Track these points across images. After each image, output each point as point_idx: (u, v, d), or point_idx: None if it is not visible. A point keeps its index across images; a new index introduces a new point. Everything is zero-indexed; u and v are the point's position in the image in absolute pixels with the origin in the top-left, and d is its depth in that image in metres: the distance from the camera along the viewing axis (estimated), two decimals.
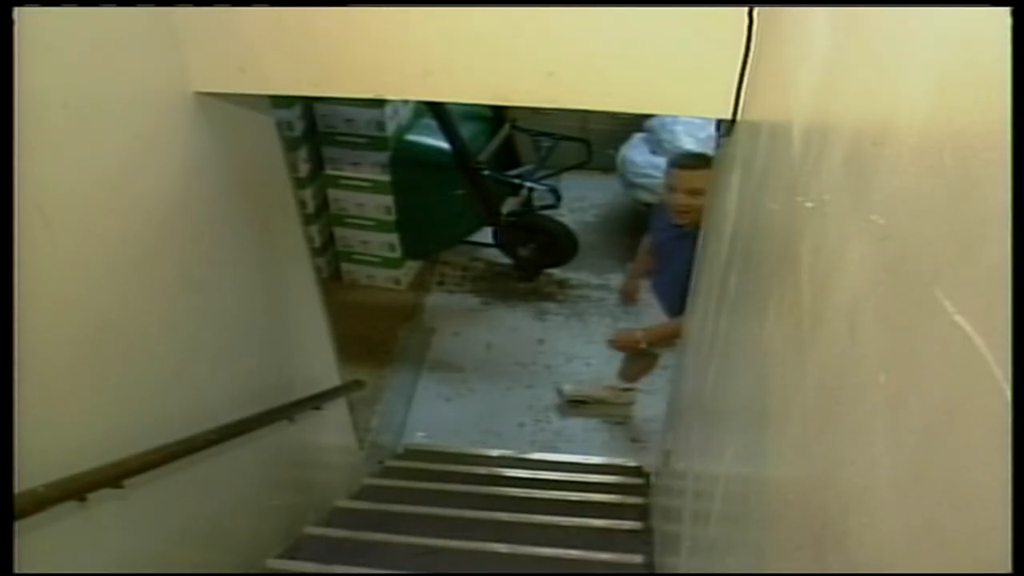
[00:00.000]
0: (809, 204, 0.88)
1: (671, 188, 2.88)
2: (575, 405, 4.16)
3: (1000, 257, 0.41)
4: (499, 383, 4.31)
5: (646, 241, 3.46)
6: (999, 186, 0.42)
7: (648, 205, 4.64)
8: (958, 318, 0.46)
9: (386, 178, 4.12)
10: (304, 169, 4.00)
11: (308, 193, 4.09)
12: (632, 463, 3.80)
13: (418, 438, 4.12)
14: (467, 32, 1.72)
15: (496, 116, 4.59)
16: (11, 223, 1.24)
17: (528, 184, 4.54)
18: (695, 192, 2.75)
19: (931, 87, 0.56)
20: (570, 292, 4.96)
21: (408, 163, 4.08)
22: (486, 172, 4.11)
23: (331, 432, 3.27)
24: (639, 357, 3.75)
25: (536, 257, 4.78)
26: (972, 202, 0.47)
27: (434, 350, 4.48)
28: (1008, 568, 0.38)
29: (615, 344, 3.51)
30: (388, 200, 4.20)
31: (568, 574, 2.67)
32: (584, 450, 4.01)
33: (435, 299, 4.81)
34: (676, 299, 3.07)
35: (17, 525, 1.28)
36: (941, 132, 0.53)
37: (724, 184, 1.90)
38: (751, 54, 1.58)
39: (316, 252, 4.11)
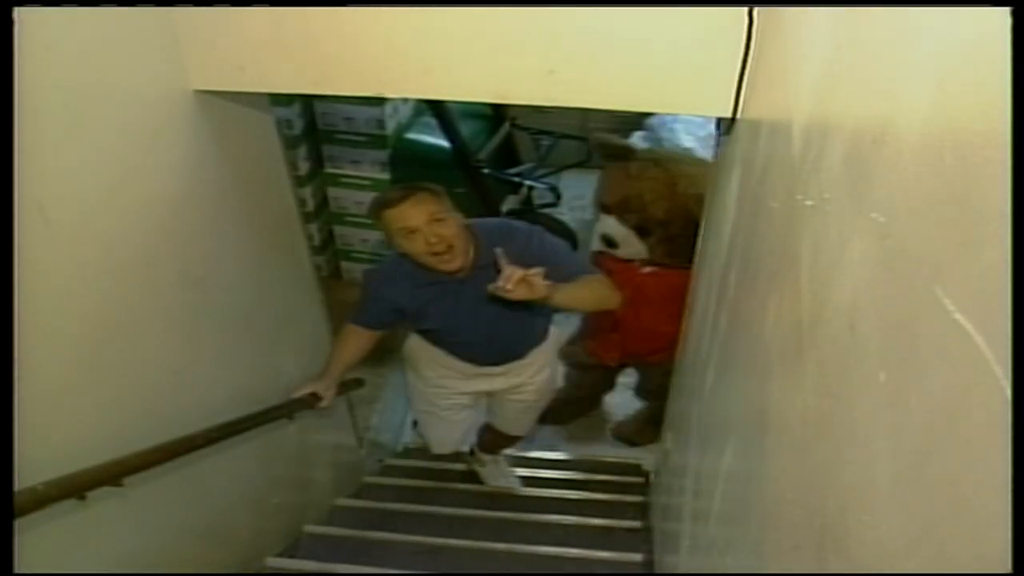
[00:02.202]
0: (809, 202, 0.88)
1: (406, 232, 2.10)
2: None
3: (1000, 255, 0.41)
4: None
5: (364, 319, 2.52)
6: (999, 184, 0.42)
7: None
8: (958, 316, 0.46)
9: (386, 176, 4.11)
10: (304, 167, 4.00)
11: (308, 191, 4.08)
12: (632, 461, 3.80)
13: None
14: (467, 30, 1.72)
15: (496, 114, 4.58)
16: (11, 221, 1.24)
17: (528, 182, 4.54)
18: (434, 219, 2.09)
19: (931, 85, 0.56)
20: None
21: (408, 161, 4.07)
22: (486, 170, 4.11)
23: (331, 430, 3.27)
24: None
25: None
26: (972, 200, 0.47)
27: None
28: (1008, 568, 0.38)
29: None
30: None
31: (568, 574, 2.67)
32: (584, 448, 4.01)
33: None
34: (509, 343, 2.57)
35: (16, 523, 1.28)
36: (941, 130, 0.53)
37: (724, 182, 1.90)
38: (751, 52, 1.58)
39: (316, 250, 4.10)
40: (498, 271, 1.98)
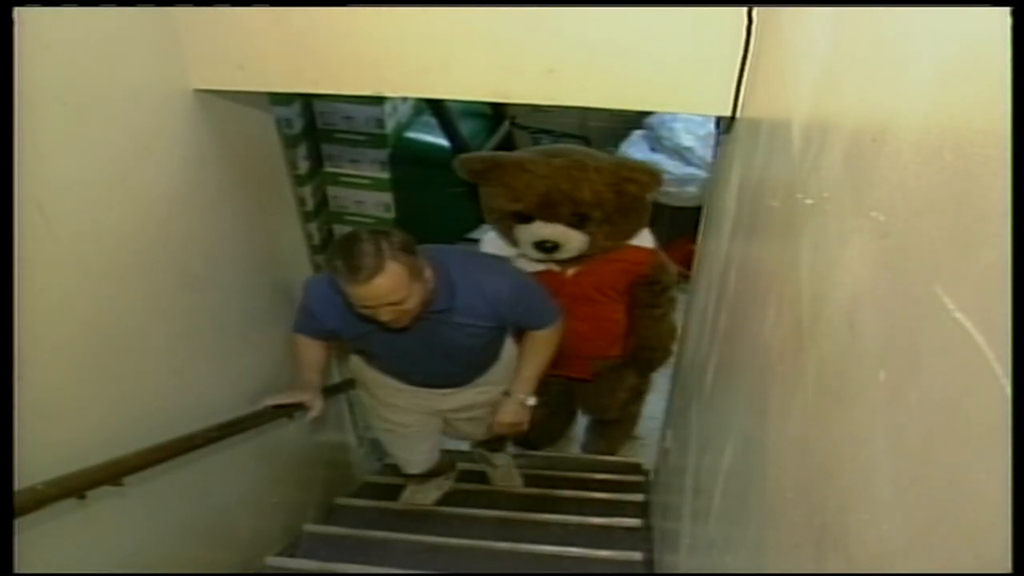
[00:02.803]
0: (809, 201, 0.88)
1: (363, 306, 1.87)
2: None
3: (1000, 253, 0.41)
4: None
5: (306, 329, 2.30)
6: (999, 182, 0.42)
7: None
8: (958, 315, 0.46)
9: (385, 175, 4.11)
10: (303, 166, 3.99)
11: (307, 190, 4.07)
12: (631, 460, 3.80)
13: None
14: (467, 29, 1.72)
15: (495, 113, 4.58)
16: (11, 220, 1.24)
17: None
18: (395, 301, 1.84)
19: (931, 83, 0.56)
20: None
21: (407, 160, 4.07)
22: None
23: (330, 429, 3.27)
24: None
25: None
26: (972, 198, 0.47)
27: None
28: (1008, 568, 0.38)
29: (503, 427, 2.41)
30: (387, 197, 4.19)
31: (568, 573, 2.67)
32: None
33: None
34: (458, 372, 2.43)
35: (16, 523, 1.28)
36: (941, 128, 0.53)
37: (724, 181, 1.90)
38: (751, 50, 1.58)
39: (315, 249, 4.09)
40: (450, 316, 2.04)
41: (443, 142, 3.95)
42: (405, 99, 4.12)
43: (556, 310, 2.27)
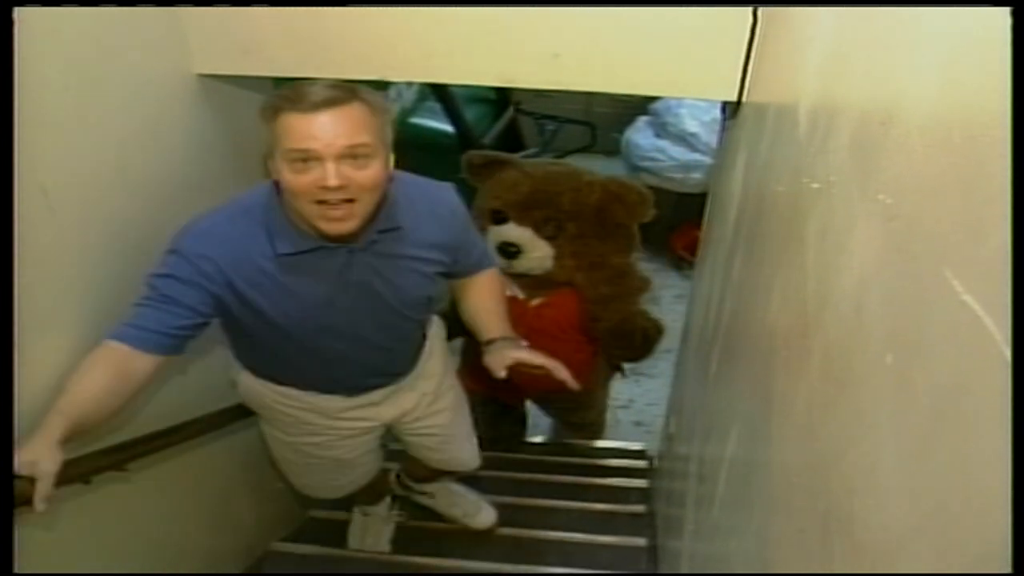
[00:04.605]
0: (815, 185, 0.88)
1: (299, 156, 1.32)
2: None
3: (1009, 236, 0.41)
4: None
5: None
6: (1009, 165, 0.42)
7: (651, 188, 4.62)
8: (967, 298, 0.46)
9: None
10: None
11: None
12: (635, 446, 3.81)
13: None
14: (471, 14, 1.71)
15: (500, 99, 4.58)
16: (13, 204, 1.24)
17: None
18: (352, 154, 1.34)
19: (940, 66, 0.56)
20: None
21: (411, 146, 4.04)
22: None
23: None
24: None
25: None
26: (981, 181, 0.47)
27: None
28: (1008, 567, 0.37)
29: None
30: None
31: (569, 572, 2.68)
32: None
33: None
34: (389, 359, 1.82)
35: (19, 509, 1.29)
36: (950, 112, 0.53)
37: (729, 167, 1.89)
38: (757, 34, 1.57)
39: None
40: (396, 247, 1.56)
41: (448, 128, 3.95)
42: (410, 84, 4.11)
43: (489, 256, 1.93)
